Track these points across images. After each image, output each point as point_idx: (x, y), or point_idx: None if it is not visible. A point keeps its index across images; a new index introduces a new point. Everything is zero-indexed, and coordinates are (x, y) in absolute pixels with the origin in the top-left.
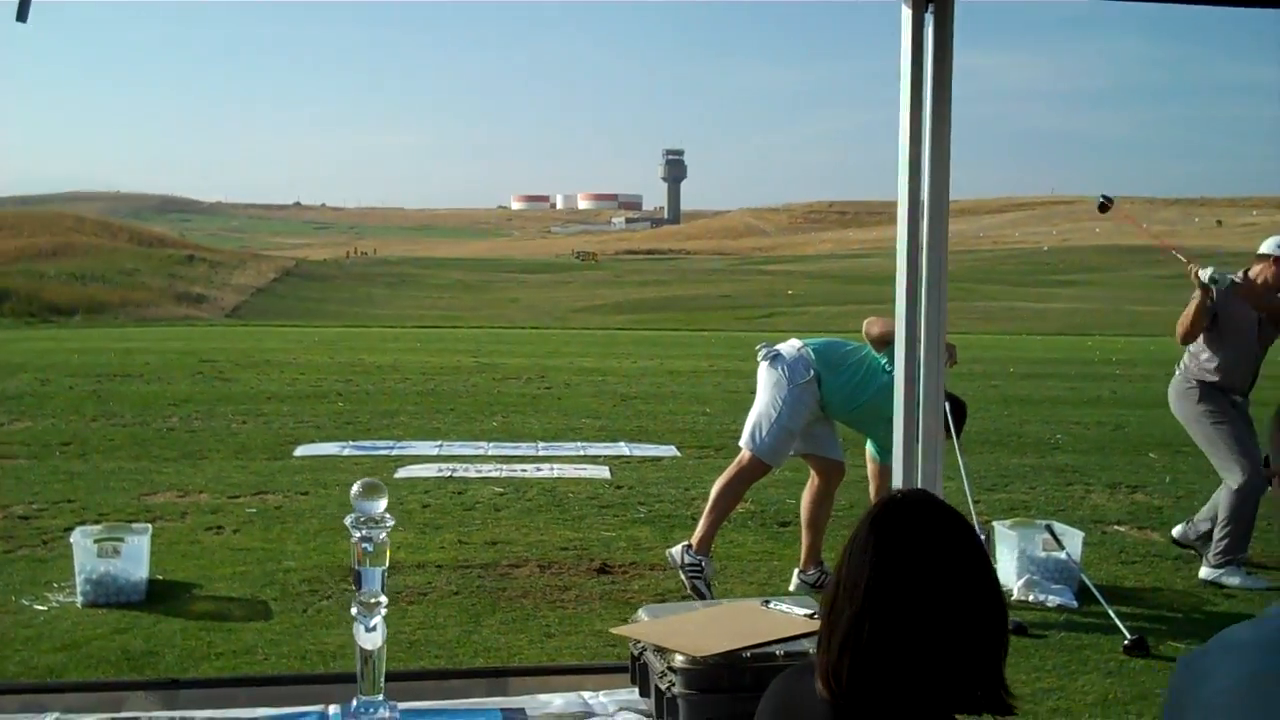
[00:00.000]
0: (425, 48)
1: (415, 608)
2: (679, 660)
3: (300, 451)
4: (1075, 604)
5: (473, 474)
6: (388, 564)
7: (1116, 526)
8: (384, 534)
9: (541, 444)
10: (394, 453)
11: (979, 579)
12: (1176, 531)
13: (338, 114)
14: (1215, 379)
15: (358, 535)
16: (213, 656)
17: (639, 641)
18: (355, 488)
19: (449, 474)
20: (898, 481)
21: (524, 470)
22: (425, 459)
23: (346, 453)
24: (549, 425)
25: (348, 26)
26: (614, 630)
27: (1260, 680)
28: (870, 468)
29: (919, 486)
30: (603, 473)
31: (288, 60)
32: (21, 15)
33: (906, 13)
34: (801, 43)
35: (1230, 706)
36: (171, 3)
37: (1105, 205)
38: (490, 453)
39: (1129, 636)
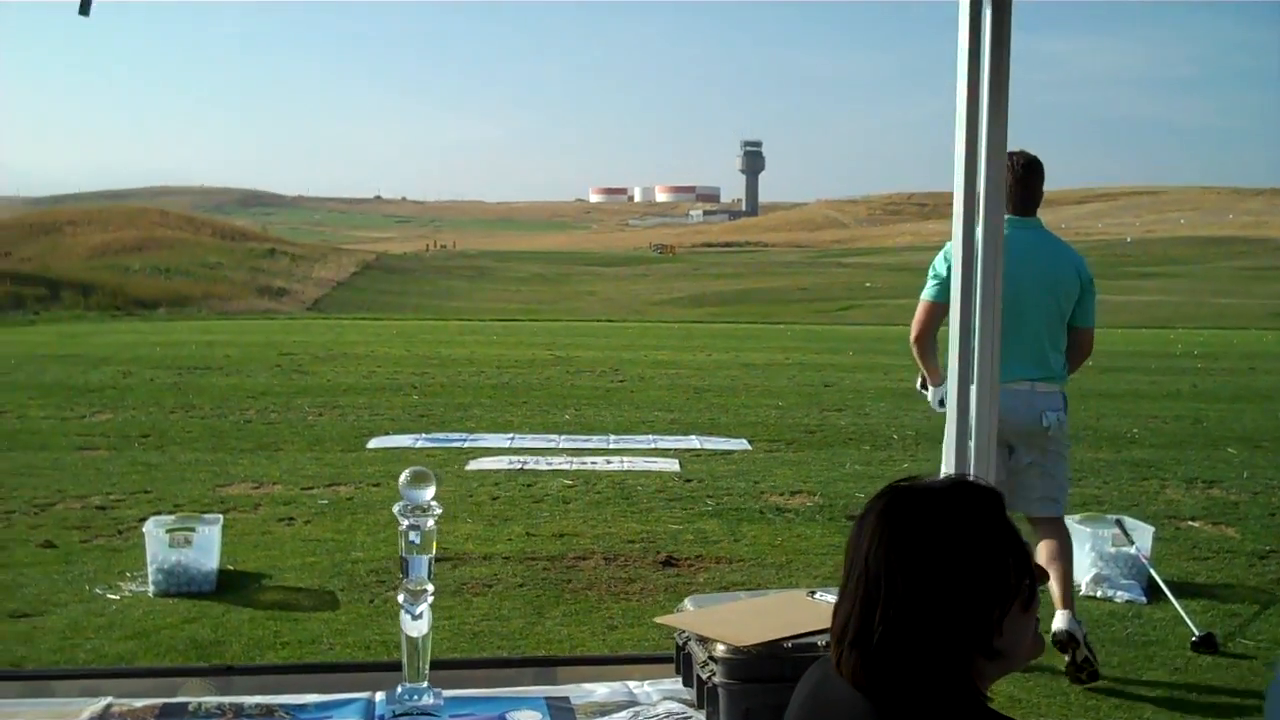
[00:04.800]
0: (503, 40)
1: (480, 599)
2: (720, 650)
3: (374, 444)
4: (1144, 600)
5: (543, 466)
6: (434, 552)
7: (1191, 522)
8: (431, 521)
9: (613, 436)
10: (466, 445)
11: (973, 564)
12: None
13: (418, 108)
14: None
15: (405, 523)
16: (279, 646)
17: (684, 631)
18: (403, 475)
19: (519, 466)
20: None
21: (594, 463)
22: (497, 451)
23: (420, 445)
24: (621, 418)
25: (427, 20)
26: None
27: None
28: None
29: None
30: (672, 465)
31: (369, 55)
32: (84, 9)
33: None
34: (876, 28)
35: None
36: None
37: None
38: (562, 445)
39: (1197, 633)
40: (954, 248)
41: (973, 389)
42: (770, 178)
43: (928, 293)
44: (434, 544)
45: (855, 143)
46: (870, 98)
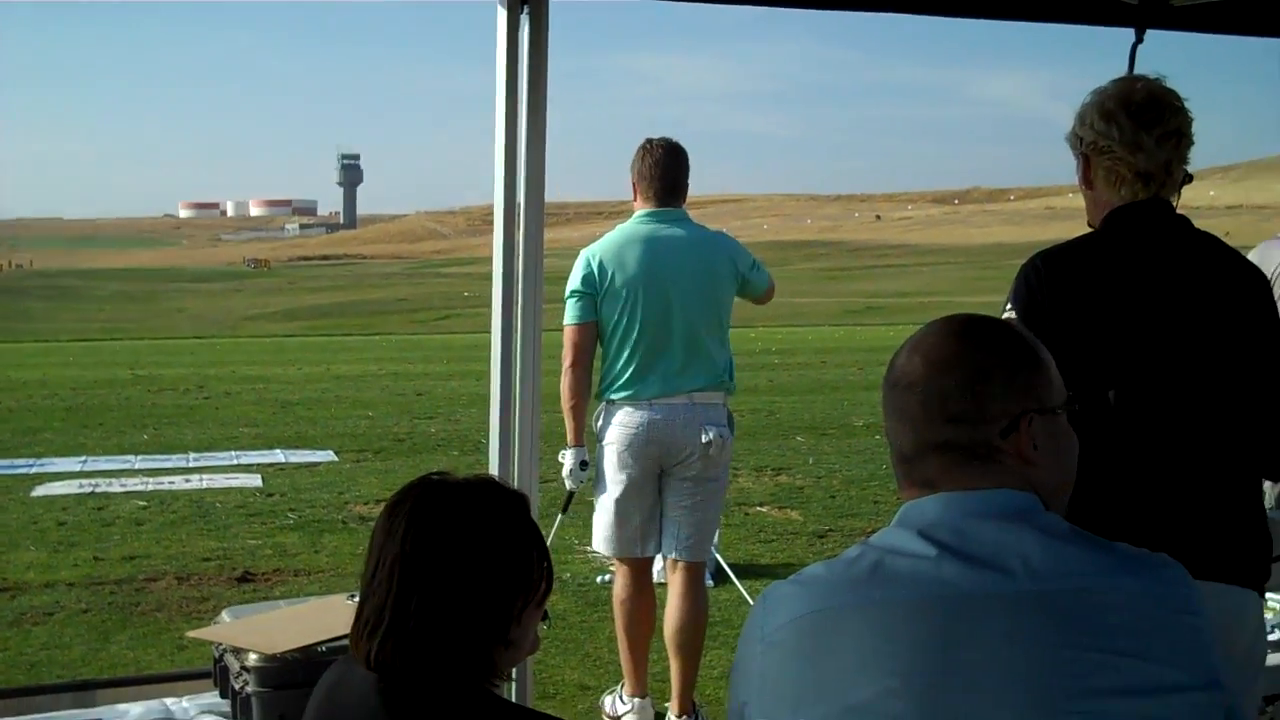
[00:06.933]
0: (80, 47)
1: (40, 628)
2: (252, 659)
3: None
4: (711, 583)
5: (116, 488)
6: None
7: (759, 508)
8: None
9: (193, 455)
10: (32, 471)
11: (503, 556)
12: None
13: None
14: None
15: None
16: None
17: (221, 644)
18: None
19: (90, 490)
20: None
21: (172, 482)
22: (66, 475)
23: None
24: (203, 436)
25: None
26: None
27: (817, 617)
28: None
29: (520, 490)
30: (254, 481)
31: None
32: None
33: (502, 14)
34: (473, 41)
35: (786, 642)
36: None
37: None
38: (138, 466)
39: None
40: (494, 264)
41: (516, 389)
42: (369, 190)
43: (571, 315)
44: None
45: (455, 153)
46: (465, 110)
